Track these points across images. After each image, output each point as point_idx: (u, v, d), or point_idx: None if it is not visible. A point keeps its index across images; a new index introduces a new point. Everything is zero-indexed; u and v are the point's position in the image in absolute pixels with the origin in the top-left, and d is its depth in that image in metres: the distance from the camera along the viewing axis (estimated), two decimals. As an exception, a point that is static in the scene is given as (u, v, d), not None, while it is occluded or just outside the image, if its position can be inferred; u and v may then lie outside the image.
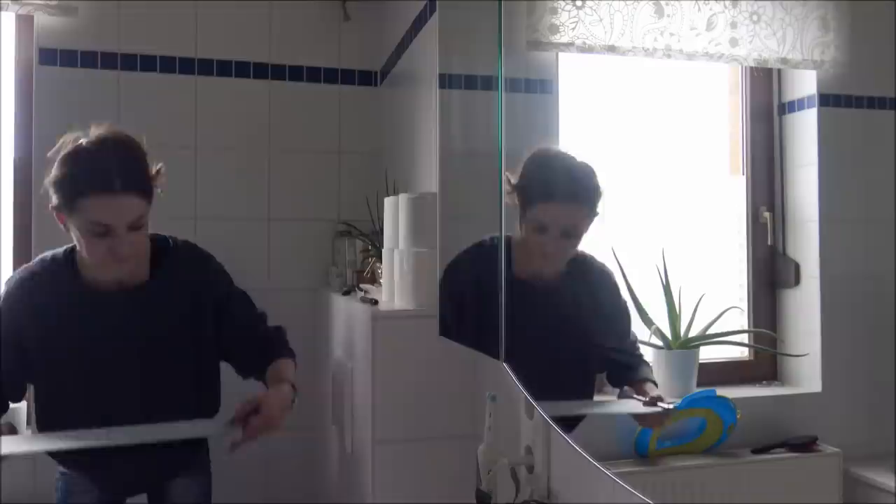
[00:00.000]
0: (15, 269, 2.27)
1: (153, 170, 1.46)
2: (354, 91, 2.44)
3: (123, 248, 1.40)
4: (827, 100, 0.76)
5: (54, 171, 1.41)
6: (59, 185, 1.40)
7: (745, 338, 0.92)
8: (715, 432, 0.88)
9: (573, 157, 1.15)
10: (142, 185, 1.43)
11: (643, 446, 0.94)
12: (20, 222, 2.28)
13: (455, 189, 1.53)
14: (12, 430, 1.54)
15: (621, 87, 1.03)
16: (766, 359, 0.88)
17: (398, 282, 1.62)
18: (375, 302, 1.67)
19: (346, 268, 2.13)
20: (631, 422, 0.97)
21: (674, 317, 0.93)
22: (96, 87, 2.28)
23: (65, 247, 1.52)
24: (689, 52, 0.90)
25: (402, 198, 1.68)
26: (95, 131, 1.44)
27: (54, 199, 1.41)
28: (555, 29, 1.05)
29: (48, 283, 1.49)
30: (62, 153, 1.42)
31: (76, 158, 1.40)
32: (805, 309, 0.80)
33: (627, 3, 0.94)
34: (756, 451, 0.83)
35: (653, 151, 1.00)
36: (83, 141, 1.43)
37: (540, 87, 1.23)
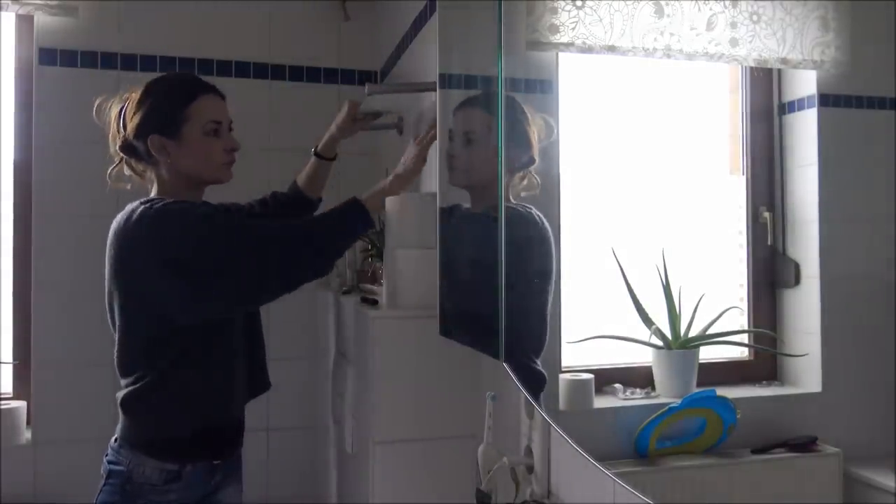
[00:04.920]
0: (15, 268, 2.28)
1: None
2: (354, 91, 2.44)
3: (236, 143, 1.55)
4: (827, 100, 0.76)
5: (145, 101, 1.50)
6: (161, 102, 1.49)
7: (745, 338, 0.92)
8: (715, 432, 0.88)
9: None
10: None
11: (643, 446, 0.94)
12: (20, 223, 2.28)
13: (455, 189, 1.52)
14: None
15: (621, 87, 1.03)
16: (766, 359, 0.88)
17: (398, 282, 1.62)
18: (375, 302, 1.67)
19: (346, 268, 2.13)
20: (631, 421, 0.97)
21: (674, 317, 0.93)
22: (96, 87, 2.27)
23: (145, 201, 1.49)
24: (689, 52, 0.90)
25: (402, 198, 1.68)
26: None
27: (154, 123, 1.48)
28: (555, 29, 1.05)
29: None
30: (137, 94, 1.52)
31: (168, 79, 1.55)
32: (805, 309, 0.80)
33: (627, 3, 0.94)
34: (756, 451, 0.83)
35: (653, 151, 1.00)
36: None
37: (540, 87, 1.23)
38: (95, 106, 1.56)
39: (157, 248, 1.41)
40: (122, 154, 1.55)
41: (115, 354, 1.50)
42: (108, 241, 1.49)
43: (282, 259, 1.44)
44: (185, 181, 1.53)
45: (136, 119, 1.50)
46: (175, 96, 1.51)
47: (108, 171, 1.58)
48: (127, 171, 1.58)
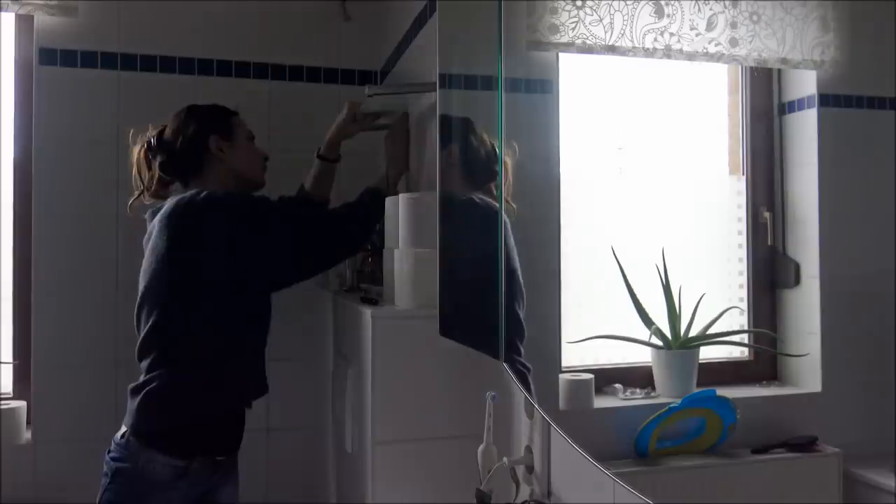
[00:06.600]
0: (15, 268, 2.28)
1: None
2: (354, 91, 2.44)
3: (267, 153, 1.82)
4: (827, 100, 0.76)
5: (195, 115, 1.71)
6: (211, 113, 1.73)
7: (745, 338, 0.92)
8: (715, 432, 0.88)
9: None
10: None
11: (643, 446, 0.94)
12: (20, 222, 2.28)
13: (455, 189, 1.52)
14: None
15: (621, 87, 1.03)
16: (766, 359, 0.88)
17: (398, 282, 1.62)
18: (375, 302, 1.67)
19: (346, 267, 2.13)
20: (631, 421, 0.97)
21: (674, 317, 0.93)
22: (96, 87, 2.28)
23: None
24: (689, 53, 0.90)
25: (402, 198, 1.68)
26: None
27: (212, 126, 1.69)
28: (555, 29, 1.05)
29: None
30: (175, 121, 1.71)
31: (202, 107, 1.75)
32: (805, 309, 0.80)
33: (627, 3, 0.94)
34: (756, 451, 0.83)
35: (652, 151, 1.00)
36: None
37: (540, 87, 1.23)
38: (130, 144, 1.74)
39: (237, 219, 1.54)
40: (160, 173, 1.67)
41: (143, 339, 1.51)
42: (161, 224, 1.52)
43: (336, 232, 1.71)
44: (231, 183, 1.66)
45: (193, 127, 1.65)
46: (221, 109, 1.73)
47: (129, 203, 1.73)
48: (148, 201, 1.70)
